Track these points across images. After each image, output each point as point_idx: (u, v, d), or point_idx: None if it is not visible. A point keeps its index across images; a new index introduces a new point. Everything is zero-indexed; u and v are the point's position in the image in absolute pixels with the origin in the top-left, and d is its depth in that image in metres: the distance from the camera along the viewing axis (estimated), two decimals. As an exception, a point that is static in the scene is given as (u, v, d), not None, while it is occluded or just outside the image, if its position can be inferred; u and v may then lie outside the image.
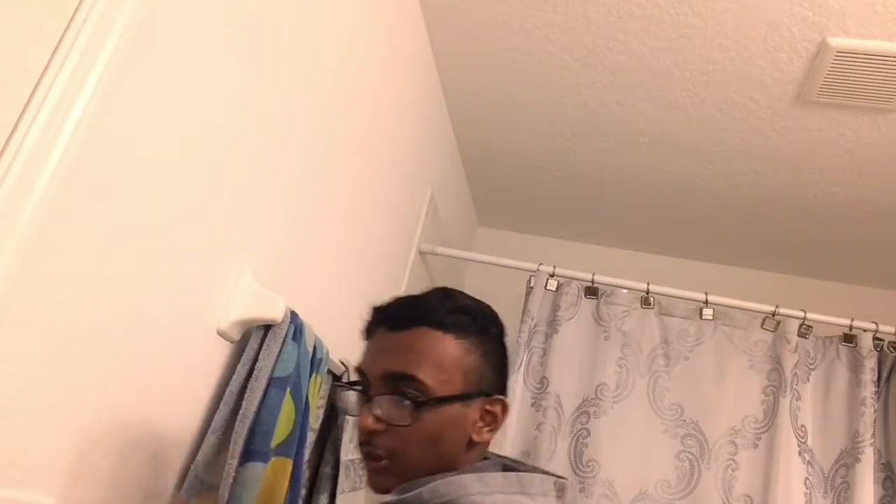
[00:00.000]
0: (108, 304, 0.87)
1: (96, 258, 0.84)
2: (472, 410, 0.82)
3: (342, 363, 1.51)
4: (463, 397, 0.81)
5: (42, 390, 0.79)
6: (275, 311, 1.16)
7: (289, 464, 1.18)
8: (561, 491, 0.82)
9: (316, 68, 1.33)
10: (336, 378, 1.54)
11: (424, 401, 0.78)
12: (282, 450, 1.17)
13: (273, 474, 1.14)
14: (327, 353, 1.37)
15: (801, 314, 2.00)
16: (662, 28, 1.72)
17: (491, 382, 0.85)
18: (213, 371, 1.15)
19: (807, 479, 1.85)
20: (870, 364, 1.93)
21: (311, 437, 1.34)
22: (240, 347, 1.19)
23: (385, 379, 0.81)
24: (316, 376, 1.31)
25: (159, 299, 0.97)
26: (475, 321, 0.85)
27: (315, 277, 1.46)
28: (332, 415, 1.52)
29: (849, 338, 2.01)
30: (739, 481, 1.86)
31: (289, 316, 1.20)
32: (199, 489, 1.06)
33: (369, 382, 0.83)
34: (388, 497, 0.79)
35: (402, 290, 2.10)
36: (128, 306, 0.91)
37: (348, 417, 1.51)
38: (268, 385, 1.14)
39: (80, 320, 0.83)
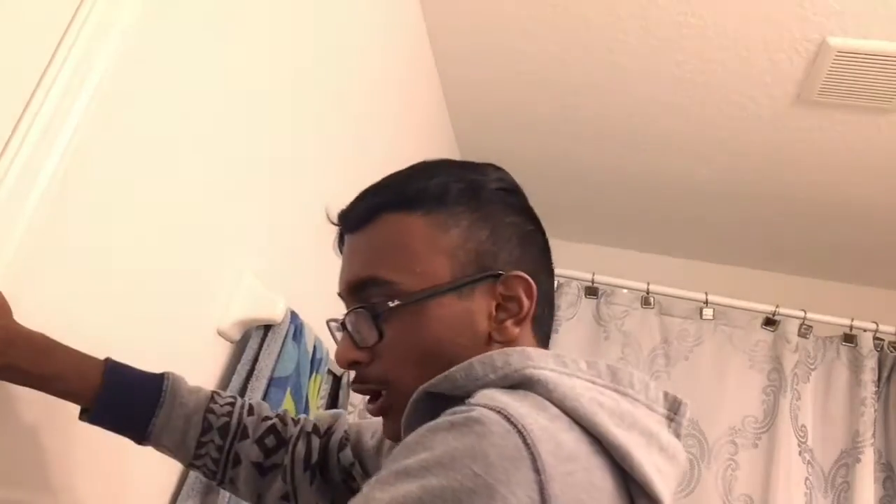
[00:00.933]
0: (107, 304, 0.87)
1: (96, 258, 0.84)
2: (479, 300, 0.60)
3: (342, 363, 1.51)
4: (451, 286, 0.59)
5: (42, 390, 0.79)
6: (275, 311, 1.16)
7: (289, 464, 1.18)
8: (674, 409, 0.58)
9: (318, 69, 1.33)
10: (336, 378, 1.54)
11: (386, 306, 0.59)
12: (282, 450, 1.17)
13: (273, 474, 1.14)
14: (327, 353, 1.37)
15: (801, 314, 2.00)
16: (662, 28, 1.72)
17: (499, 257, 0.62)
18: (213, 371, 1.15)
19: (807, 479, 1.85)
20: (870, 364, 1.93)
21: (311, 437, 1.34)
22: (240, 347, 1.19)
23: (351, 293, 0.63)
24: (316, 376, 1.31)
25: (159, 299, 0.97)
26: (455, 183, 0.63)
27: (315, 277, 1.46)
28: (333, 415, 1.52)
29: (849, 338, 2.00)
30: (739, 481, 1.86)
31: (289, 316, 1.20)
32: (200, 490, 1.06)
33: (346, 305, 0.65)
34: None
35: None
36: (128, 306, 0.91)
37: (350, 408, 1.51)
38: (268, 385, 1.14)
39: (79, 320, 0.83)
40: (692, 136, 2.11)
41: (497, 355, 0.54)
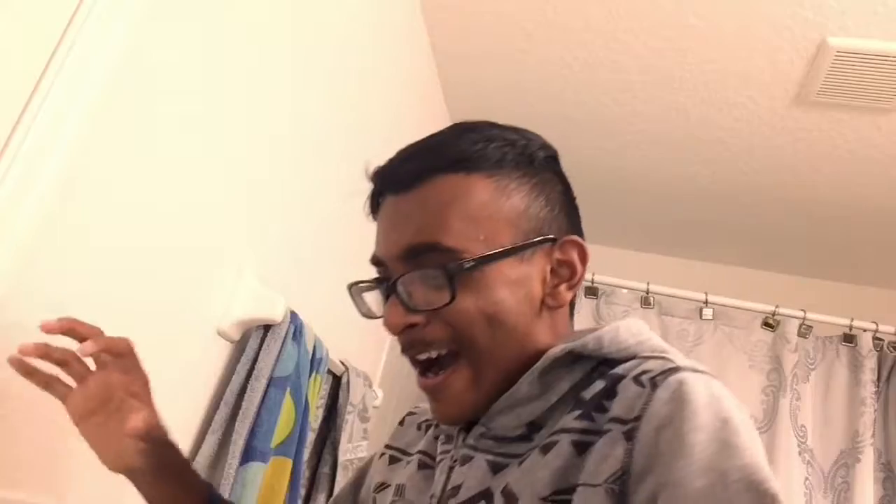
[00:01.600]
0: (107, 303, 0.87)
1: (96, 258, 0.84)
2: (537, 264, 0.61)
3: (342, 363, 1.51)
4: (516, 250, 0.59)
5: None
6: (275, 311, 1.16)
7: (288, 463, 1.18)
8: None
9: (319, 71, 1.33)
10: (336, 378, 1.54)
11: (460, 266, 0.57)
12: (281, 449, 1.17)
13: (273, 474, 1.14)
14: (327, 353, 1.37)
15: (801, 314, 2.00)
16: (662, 28, 1.72)
17: (553, 224, 0.63)
18: (213, 371, 1.15)
19: (807, 479, 1.85)
20: (870, 364, 1.93)
21: (310, 437, 1.34)
22: (240, 347, 1.19)
23: (404, 258, 0.60)
24: (315, 376, 1.31)
25: (159, 299, 0.97)
26: (511, 148, 0.62)
27: (315, 277, 1.46)
28: (332, 415, 1.52)
29: (849, 338, 2.01)
30: (739, 481, 1.86)
31: (289, 316, 1.20)
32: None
33: (389, 270, 0.63)
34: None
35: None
36: (128, 306, 0.91)
37: (349, 408, 1.51)
38: (268, 385, 1.14)
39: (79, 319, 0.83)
40: (692, 136, 2.12)
41: (630, 324, 0.61)
